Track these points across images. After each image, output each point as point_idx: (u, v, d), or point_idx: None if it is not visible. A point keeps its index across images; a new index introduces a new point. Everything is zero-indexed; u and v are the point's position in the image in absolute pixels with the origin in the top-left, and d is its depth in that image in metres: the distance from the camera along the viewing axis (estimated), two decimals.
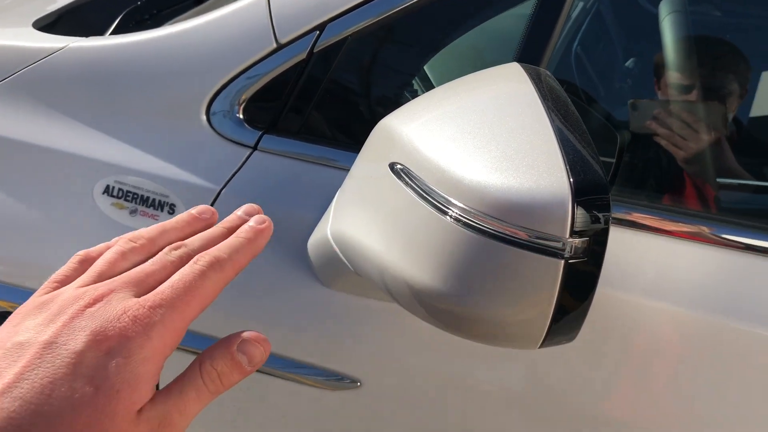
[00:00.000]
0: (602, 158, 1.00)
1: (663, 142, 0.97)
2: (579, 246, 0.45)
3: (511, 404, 0.80)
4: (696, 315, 0.71)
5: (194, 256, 0.40)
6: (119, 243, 0.42)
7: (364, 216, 0.62)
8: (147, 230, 0.43)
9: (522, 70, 0.58)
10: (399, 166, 0.57)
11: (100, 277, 0.40)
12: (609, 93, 1.22)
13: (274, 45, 0.82)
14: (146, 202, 0.84)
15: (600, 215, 0.44)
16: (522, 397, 0.79)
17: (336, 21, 0.80)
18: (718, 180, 1.01)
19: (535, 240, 0.45)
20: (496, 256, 0.47)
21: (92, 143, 0.86)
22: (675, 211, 0.78)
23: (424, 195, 0.52)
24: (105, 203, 0.85)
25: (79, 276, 0.41)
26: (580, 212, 0.44)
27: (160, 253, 0.41)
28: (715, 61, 1.11)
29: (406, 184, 0.55)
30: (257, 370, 0.81)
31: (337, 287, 0.78)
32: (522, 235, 0.45)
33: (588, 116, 1.01)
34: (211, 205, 0.83)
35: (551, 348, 0.75)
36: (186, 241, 0.42)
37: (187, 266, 0.39)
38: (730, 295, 0.72)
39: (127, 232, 0.81)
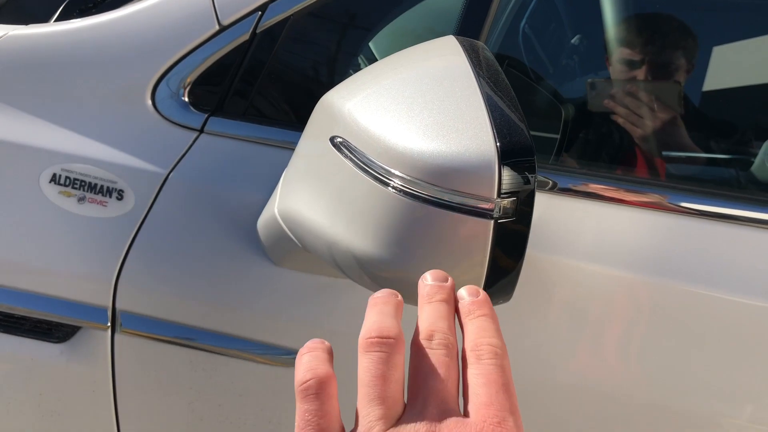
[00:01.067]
0: (549, 133, 1.02)
1: (619, 120, 0.99)
2: (508, 206, 0.46)
3: None
4: (634, 276, 0.74)
5: (451, 340, 0.40)
6: (370, 355, 0.40)
7: (309, 191, 0.63)
8: (386, 327, 0.41)
9: (457, 42, 0.59)
10: (339, 139, 0.58)
11: (391, 403, 0.38)
12: (555, 69, 1.24)
13: (217, 27, 0.82)
14: (94, 189, 0.83)
15: (527, 176, 0.46)
16: None
17: (277, 1, 0.81)
18: (667, 153, 1.04)
19: (466, 202, 0.46)
20: (431, 220, 0.48)
21: (37, 132, 0.85)
22: (614, 178, 0.80)
23: (363, 165, 0.53)
24: (52, 192, 0.84)
25: (332, 413, 0.38)
26: (506, 173, 0.45)
27: (427, 351, 0.39)
28: (664, 37, 1.14)
29: (346, 156, 0.56)
30: (210, 351, 0.82)
31: (287, 265, 0.78)
32: (453, 198, 0.47)
33: (533, 92, 1.03)
34: (160, 189, 0.83)
35: (501, 317, 0.76)
36: (432, 327, 0.41)
37: (482, 366, 0.39)
38: (666, 255, 0.74)
39: (75, 219, 0.80)
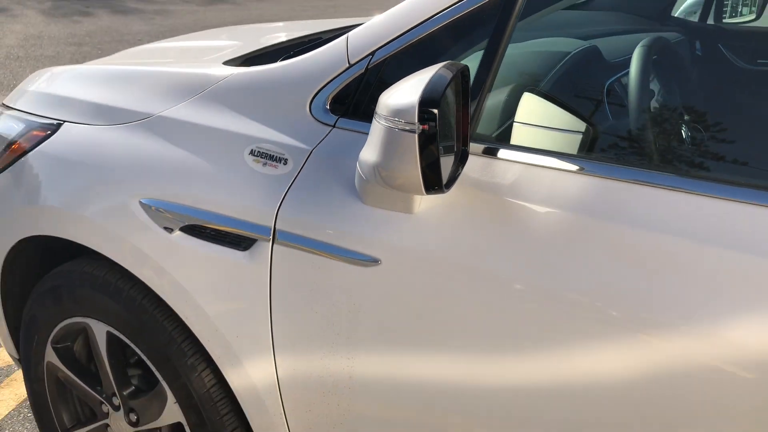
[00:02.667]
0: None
1: None
2: (426, 129, 0.93)
3: (513, 284, 1.23)
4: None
5: None
6: None
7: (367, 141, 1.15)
8: None
9: (456, 63, 1.08)
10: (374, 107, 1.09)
11: None
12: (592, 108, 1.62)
13: (347, 65, 1.38)
14: (272, 158, 1.42)
15: (432, 112, 0.93)
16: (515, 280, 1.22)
17: (380, 49, 1.34)
18: None
19: (405, 126, 0.94)
20: (393, 138, 0.96)
21: (248, 126, 1.46)
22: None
23: (375, 115, 1.03)
24: (249, 160, 1.44)
25: None
26: (420, 110, 0.93)
27: None
28: None
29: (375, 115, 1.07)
30: (311, 251, 1.32)
31: (369, 203, 1.28)
32: (400, 125, 0.95)
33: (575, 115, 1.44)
34: (306, 159, 1.38)
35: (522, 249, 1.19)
36: None
37: None
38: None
39: (260, 176, 1.41)
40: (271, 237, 1.39)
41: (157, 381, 1.74)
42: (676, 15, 2.95)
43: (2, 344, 2.26)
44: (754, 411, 1.01)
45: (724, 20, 3.01)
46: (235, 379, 1.53)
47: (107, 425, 1.98)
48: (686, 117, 1.37)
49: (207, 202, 1.47)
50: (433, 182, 0.98)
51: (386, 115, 0.99)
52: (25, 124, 1.91)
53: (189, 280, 1.51)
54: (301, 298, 1.38)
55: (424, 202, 1.22)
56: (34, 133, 1.85)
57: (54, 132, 1.81)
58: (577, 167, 1.19)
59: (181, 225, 1.49)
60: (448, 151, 1.08)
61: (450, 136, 1.08)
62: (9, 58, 8.20)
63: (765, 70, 2.32)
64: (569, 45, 1.62)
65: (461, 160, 1.13)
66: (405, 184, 1.02)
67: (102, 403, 1.95)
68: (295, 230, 1.37)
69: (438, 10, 1.30)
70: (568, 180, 1.18)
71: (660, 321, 1.05)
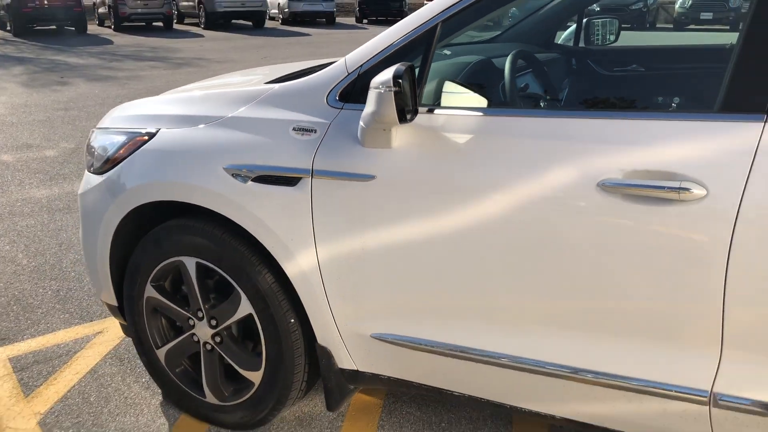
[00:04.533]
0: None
1: None
2: (398, 89, 1.97)
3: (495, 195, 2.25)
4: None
5: None
6: None
7: (367, 105, 2.19)
8: None
9: (407, 63, 2.13)
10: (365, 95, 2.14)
11: None
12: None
13: (346, 73, 2.43)
14: (307, 130, 2.44)
15: (398, 81, 1.97)
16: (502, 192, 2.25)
17: (366, 62, 2.39)
18: None
19: (388, 89, 1.98)
20: (380, 97, 2.01)
21: (290, 115, 2.49)
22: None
23: (370, 89, 2.08)
24: (293, 133, 2.46)
25: None
26: (394, 79, 1.97)
27: None
28: None
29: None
30: (334, 179, 2.37)
31: (364, 144, 2.30)
32: (384, 88, 1.99)
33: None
34: (327, 129, 2.41)
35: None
36: None
37: None
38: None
39: (298, 141, 2.56)
40: (310, 175, 2.40)
41: (232, 291, 2.71)
42: (558, 42, 4.15)
43: (104, 298, 3.19)
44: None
45: (595, 44, 4.19)
46: (290, 269, 2.51)
47: (193, 334, 2.93)
48: (532, 86, 2.45)
49: (268, 160, 2.48)
50: (402, 118, 2.02)
51: (376, 86, 2.03)
52: (127, 136, 2.90)
53: (260, 210, 2.50)
54: (330, 208, 2.39)
55: (398, 140, 2.25)
56: (137, 139, 2.85)
57: (152, 137, 2.81)
58: (477, 112, 2.25)
59: (253, 176, 2.49)
60: (408, 110, 2.12)
61: (408, 103, 2.13)
62: (4, 124, 9.06)
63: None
64: (473, 58, 2.71)
65: (414, 114, 2.17)
66: (390, 120, 2.06)
67: (189, 318, 2.90)
68: (324, 168, 2.38)
69: (396, 39, 2.36)
70: (472, 119, 2.24)
71: (522, 186, 2.10)
